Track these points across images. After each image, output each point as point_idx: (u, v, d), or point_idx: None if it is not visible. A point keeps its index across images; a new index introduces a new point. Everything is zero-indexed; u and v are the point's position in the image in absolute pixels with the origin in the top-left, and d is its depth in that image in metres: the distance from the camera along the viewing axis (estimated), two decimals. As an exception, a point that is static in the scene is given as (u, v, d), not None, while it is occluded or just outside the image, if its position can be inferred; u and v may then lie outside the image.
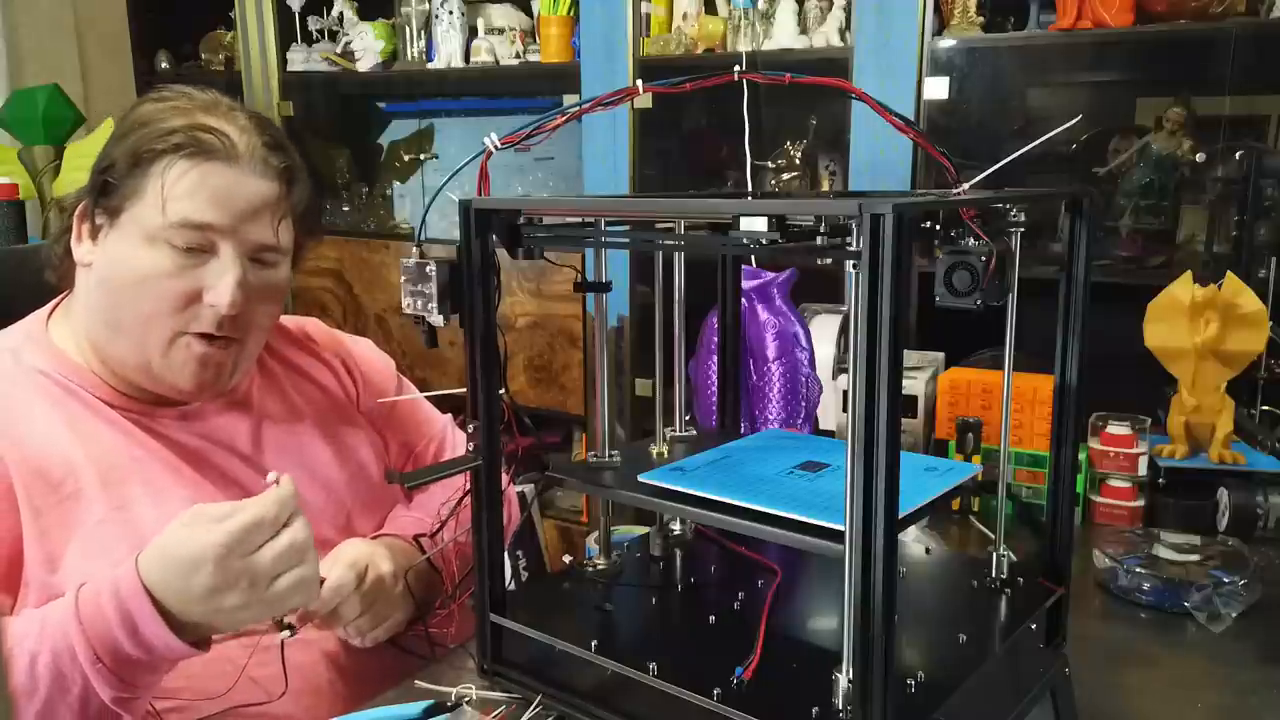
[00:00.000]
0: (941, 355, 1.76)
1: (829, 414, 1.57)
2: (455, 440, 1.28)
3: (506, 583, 0.87)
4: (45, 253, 1.06)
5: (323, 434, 1.13)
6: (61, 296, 1.08)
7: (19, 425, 0.94)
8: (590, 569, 0.93)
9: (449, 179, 0.82)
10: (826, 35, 2.22)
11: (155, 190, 0.95)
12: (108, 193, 0.97)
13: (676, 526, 0.99)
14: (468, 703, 0.84)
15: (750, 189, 1.15)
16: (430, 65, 2.69)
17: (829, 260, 0.64)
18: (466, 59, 2.63)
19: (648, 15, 2.37)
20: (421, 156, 3.02)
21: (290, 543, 0.83)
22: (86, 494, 0.94)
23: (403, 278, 0.81)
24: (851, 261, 0.61)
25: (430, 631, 1.02)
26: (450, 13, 2.60)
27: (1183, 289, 1.40)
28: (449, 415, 1.32)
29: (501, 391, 0.82)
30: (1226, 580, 1.12)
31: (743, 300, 1.14)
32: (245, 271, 0.98)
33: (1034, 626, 0.84)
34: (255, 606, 0.83)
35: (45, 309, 1.07)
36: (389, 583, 1.00)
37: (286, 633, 0.91)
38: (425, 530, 1.07)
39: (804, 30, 2.25)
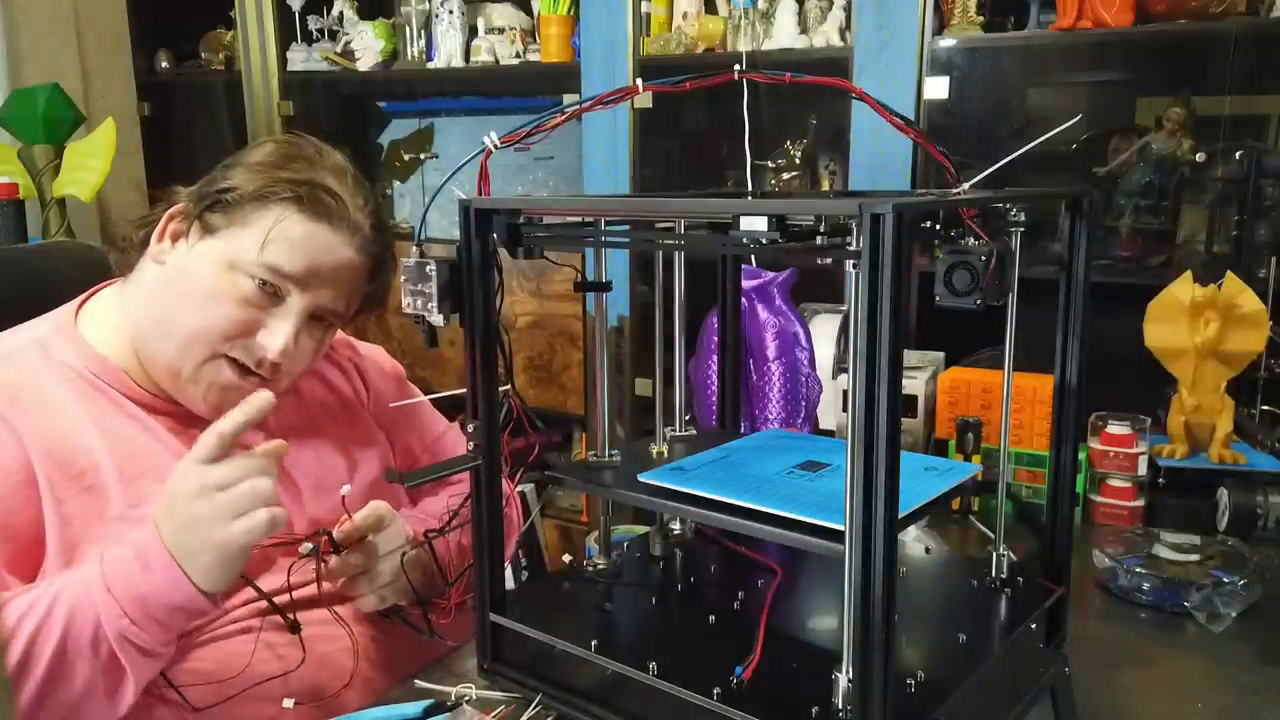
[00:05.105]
0: (941, 355, 1.76)
1: (829, 414, 1.57)
2: (457, 443, 1.28)
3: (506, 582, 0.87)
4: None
5: (334, 436, 1.15)
6: (92, 290, 1.09)
7: (45, 415, 0.96)
8: (590, 569, 0.93)
9: (449, 178, 0.82)
10: (826, 35, 2.22)
11: (261, 228, 0.99)
12: (214, 209, 1.01)
13: (676, 526, 0.99)
14: (468, 702, 0.84)
15: (750, 189, 1.15)
16: (430, 65, 2.68)
17: (829, 260, 0.64)
18: (466, 58, 2.63)
19: (648, 15, 2.37)
20: (421, 156, 3.01)
21: (246, 460, 0.88)
22: (106, 487, 0.95)
23: (403, 278, 0.81)
24: (851, 261, 0.61)
25: (430, 618, 1.02)
26: (450, 12, 2.59)
27: (1183, 289, 1.40)
28: (454, 423, 1.32)
29: (507, 388, 0.82)
30: (1226, 580, 1.12)
31: (743, 300, 1.14)
32: (301, 327, 1.02)
33: (1034, 626, 0.84)
34: (213, 509, 0.86)
35: (74, 302, 1.08)
36: (410, 543, 1.03)
37: (308, 545, 0.95)
38: (431, 529, 1.07)
39: (804, 30, 2.25)
